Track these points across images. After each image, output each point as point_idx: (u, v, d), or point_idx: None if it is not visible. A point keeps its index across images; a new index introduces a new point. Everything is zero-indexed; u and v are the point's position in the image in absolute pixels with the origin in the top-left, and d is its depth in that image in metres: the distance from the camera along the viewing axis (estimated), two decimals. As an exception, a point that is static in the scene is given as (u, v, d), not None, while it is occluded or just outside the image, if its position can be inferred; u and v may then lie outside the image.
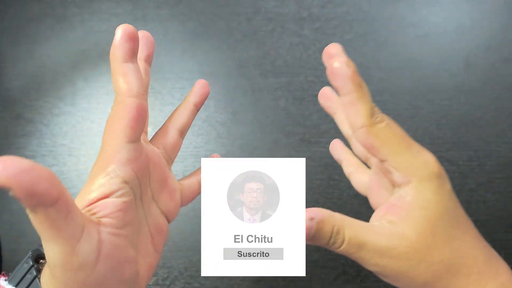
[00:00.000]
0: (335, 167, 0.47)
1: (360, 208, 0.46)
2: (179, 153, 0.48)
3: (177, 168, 0.48)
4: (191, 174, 0.31)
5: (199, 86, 0.32)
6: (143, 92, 0.24)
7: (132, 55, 0.24)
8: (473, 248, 0.24)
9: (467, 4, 0.51)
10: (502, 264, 0.25)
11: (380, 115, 0.24)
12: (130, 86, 0.23)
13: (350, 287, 0.44)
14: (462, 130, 0.47)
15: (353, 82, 0.24)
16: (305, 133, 0.48)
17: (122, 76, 0.23)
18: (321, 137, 0.48)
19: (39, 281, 0.22)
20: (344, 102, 0.24)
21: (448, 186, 0.24)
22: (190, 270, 0.45)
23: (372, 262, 0.23)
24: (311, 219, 0.23)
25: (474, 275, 0.23)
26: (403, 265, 0.23)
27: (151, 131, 0.49)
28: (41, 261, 0.25)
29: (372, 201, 0.30)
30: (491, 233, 0.45)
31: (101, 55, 0.52)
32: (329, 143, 0.48)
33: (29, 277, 0.23)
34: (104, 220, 0.21)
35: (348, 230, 0.23)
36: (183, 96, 0.50)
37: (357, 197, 0.46)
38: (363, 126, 0.23)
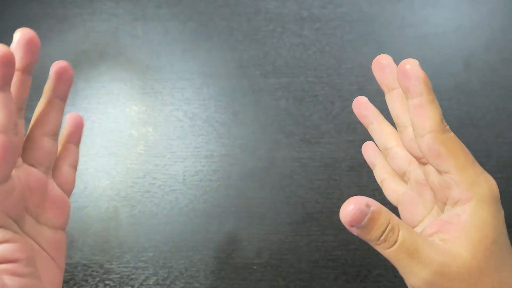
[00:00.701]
0: (336, 168, 0.47)
1: (360, 208, 0.46)
2: (179, 153, 0.49)
3: (177, 168, 0.48)
4: (59, 159, 0.28)
5: (56, 69, 0.27)
6: (13, 126, 0.21)
7: (3, 83, 0.21)
8: None
9: (467, 5, 0.51)
10: None
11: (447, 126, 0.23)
12: None
13: (350, 287, 0.44)
14: (462, 130, 0.47)
15: (425, 84, 0.23)
16: (305, 133, 0.48)
17: None
18: (321, 138, 0.48)
19: None
20: (412, 104, 0.23)
21: (503, 212, 0.23)
22: (190, 270, 0.45)
23: (420, 275, 0.21)
24: (367, 205, 0.21)
25: None
26: (452, 286, 0.21)
27: (151, 130, 0.49)
28: None
29: (404, 215, 0.29)
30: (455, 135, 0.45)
31: (102, 55, 0.52)
32: (329, 143, 0.49)
33: None
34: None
35: (404, 231, 0.22)
36: (184, 96, 0.50)
37: (357, 197, 0.46)
38: (432, 132, 0.22)
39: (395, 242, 0.21)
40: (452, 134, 0.23)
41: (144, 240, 0.46)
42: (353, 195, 0.46)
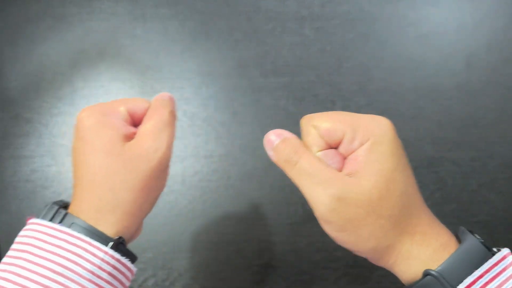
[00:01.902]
0: (336, 168, 0.47)
1: (361, 208, 0.45)
2: (178, 153, 0.48)
3: (176, 168, 0.47)
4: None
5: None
6: None
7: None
8: (419, 208, 0.25)
9: (468, 4, 0.50)
10: (442, 227, 0.25)
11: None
12: None
13: (351, 289, 0.44)
14: (464, 130, 0.47)
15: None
16: (305, 133, 0.48)
17: None
18: (321, 137, 0.48)
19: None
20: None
21: (401, 149, 0.25)
22: (190, 271, 0.45)
23: (321, 198, 0.24)
24: (281, 134, 0.27)
25: (418, 235, 0.24)
26: (351, 212, 0.23)
27: (150, 131, 0.49)
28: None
29: None
30: (493, 233, 0.45)
31: (100, 55, 0.52)
32: (329, 143, 0.48)
33: (58, 215, 0.26)
34: None
35: (307, 156, 0.25)
36: (183, 96, 0.50)
37: (358, 198, 0.46)
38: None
39: (296, 162, 0.25)
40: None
41: (144, 241, 0.45)
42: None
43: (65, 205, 0.28)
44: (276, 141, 0.26)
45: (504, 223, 0.45)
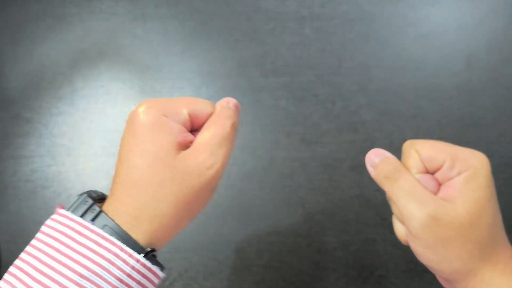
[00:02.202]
0: (336, 168, 0.47)
1: (361, 208, 0.45)
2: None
3: (177, 168, 0.47)
4: None
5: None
6: None
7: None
8: (503, 241, 0.26)
9: (468, 4, 0.50)
10: None
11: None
12: None
13: (351, 289, 0.44)
14: (463, 130, 0.47)
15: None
16: (305, 133, 0.48)
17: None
18: (321, 137, 0.48)
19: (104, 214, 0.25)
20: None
21: (493, 185, 0.26)
22: (189, 271, 0.45)
23: (416, 215, 0.25)
24: (383, 153, 0.28)
25: (500, 264, 0.25)
26: (443, 233, 0.24)
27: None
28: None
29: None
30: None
31: (100, 55, 0.52)
32: (330, 143, 0.48)
33: (85, 206, 0.25)
34: None
35: (407, 175, 0.26)
36: (183, 96, 0.50)
37: (358, 198, 0.46)
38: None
39: (398, 180, 0.26)
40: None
41: (143, 241, 0.45)
42: (354, 196, 0.46)
43: (99, 198, 0.27)
44: (376, 159, 0.28)
45: (504, 223, 0.45)
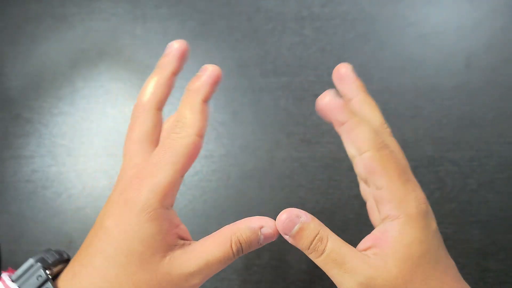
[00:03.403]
0: (336, 168, 0.47)
1: (361, 208, 0.45)
2: (179, 153, 0.48)
3: (177, 168, 0.48)
4: None
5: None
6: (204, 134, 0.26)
7: (209, 97, 0.27)
8: (454, 280, 0.24)
9: (468, 4, 0.50)
10: None
11: (387, 140, 0.24)
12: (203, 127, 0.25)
13: (351, 288, 0.44)
14: (463, 130, 0.47)
15: (346, 112, 0.24)
16: (305, 133, 0.48)
17: (201, 114, 0.25)
18: (321, 137, 0.48)
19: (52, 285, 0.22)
20: (343, 131, 0.25)
21: (434, 225, 0.24)
22: (190, 271, 0.45)
23: (347, 285, 0.23)
24: (298, 216, 0.24)
25: None
26: None
27: (150, 131, 0.49)
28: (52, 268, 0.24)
29: (371, 219, 0.30)
30: (492, 233, 0.45)
31: (100, 55, 0.52)
32: (330, 143, 0.48)
33: (37, 281, 0.22)
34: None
35: (332, 243, 0.24)
36: (182, 95, 0.50)
37: (358, 198, 0.46)
38: (367, 151, 0.24)
39: (323, 251, 0.24)
40: (387, 151, 0.24)
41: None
42: (354, 196, 0.46)
43: (58, 261, 0.24)
44: (291, 226, 0.24)
45: (503, 223, 0.45)
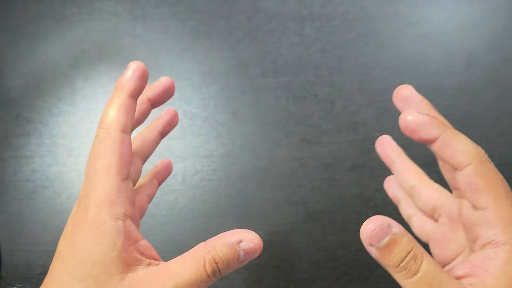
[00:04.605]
0: (336, 167, 0.47)
1: (361, 208, 0.45)
2: (178, 153, 0.48)
3: (177, 168, 0.48)
4: (142, 186, 0.30)
5: (168, 113, 0.31)
6: (130, 130, 0.24)
7: (137, 92, 0.24)
8: None
9: (468, 4, 0.50)
10: None
11: (485, 153, 0.21)
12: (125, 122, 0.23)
13: (351, 288, 0.44)
14: (463, 129, 0.47)
15: (436, 125, 0.21)
16: (305, 133, 0.48)
17: (125, 110, 0.23)
18: (322, 137, 0.48)
19: None
20: (437, 147, 0.22)
21: None
22: (190, 271, 0.45)
23: None
24: (389, 226, 0.20)
25: None
26: None
27: (151, 131, 0.49)
28: None
29: (435, 253, 0.27)
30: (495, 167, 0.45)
31: (101, 55, 0.52)
32: (329, 143, 0.48)
33: None
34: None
35: (428, 263, 0.20)
36: (183, 96, 0.50)
37: (358, 197, 0.46)
38: (470, 164, 0.21)
39: (416, 272, 0.20)
40: (491, 165, 0.21)
41: (144, 241, 0.45)
42: (354, 196, 0.46)
43: None
44: (381, 235, 0.20)
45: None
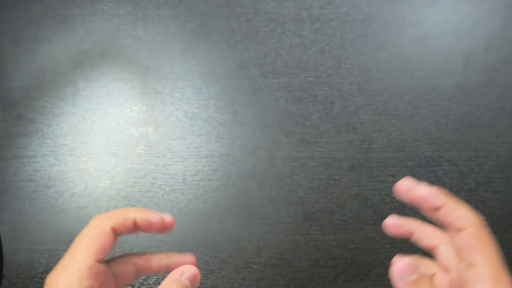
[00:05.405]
0: (335, 167, 0.47)
1: (360, 207, 0.46)
2: (179, 153, 0.49)
3: (178, 168, 0.48)
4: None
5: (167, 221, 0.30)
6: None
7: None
8: None
9: (466, 5, 0.51)
10: None
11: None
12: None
13: (350, 286, 0.44)
14: (461, 130, 0.48)
15: (442, 196, 0.25)
16: (305, 133, 0.48)
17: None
18: (321, 137, 0.48)
19: None
20: (442, 213, 0.25)
21: None
22: (190, 269, 0.45)
23: None
24: (418, 266, 0.24)
25: None
26: None
27: (151, 130, 0.49)
28: None
29: None
30: (490, 232, 0.45)
31: (102, 56, 0.52)
32: (328, 143, 0.49)
33: None
34: None
35: None
36: (184, 96, 0.50)
37: (357, 197, 0.46)
38: (470, 227, 0.24)
39: None
40: (487, 230, 0.24)
41: (144, 240, 0.46)
42: (353, 195, 0.46)
43: None
44: (411, 271, 0.24)
45: (501, 222, 0.46)
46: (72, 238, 0.49)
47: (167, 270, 0.30)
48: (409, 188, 0.26)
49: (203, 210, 0.47)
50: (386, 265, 0.44)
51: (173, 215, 0.46)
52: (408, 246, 0.45)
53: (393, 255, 0.47)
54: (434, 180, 0.46)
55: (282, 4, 0.52)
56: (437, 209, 0.25)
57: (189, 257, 0.32)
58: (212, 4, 0.52)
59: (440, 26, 0.51)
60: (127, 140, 0.49)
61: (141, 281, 0.45)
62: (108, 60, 0.52)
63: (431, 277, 0.25)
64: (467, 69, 0.49)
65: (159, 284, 0.45)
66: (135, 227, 0.27)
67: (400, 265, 0.24)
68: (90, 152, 0.49)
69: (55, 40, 0.53)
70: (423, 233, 0.31)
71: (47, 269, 0.47)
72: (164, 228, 0.28)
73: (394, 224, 0.31)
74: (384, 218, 0.46)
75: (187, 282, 0.25)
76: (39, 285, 0.46)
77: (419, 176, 0.46)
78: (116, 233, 0.26)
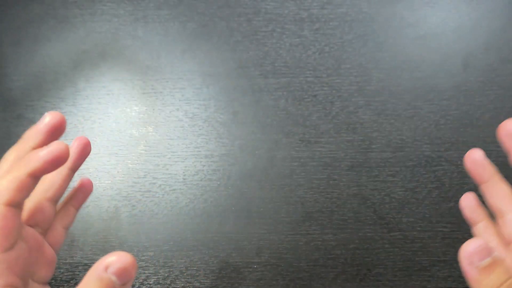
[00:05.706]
0: (335, 167, 0.47)
1: (360, 207, 0.46)
2: (179, 153, 0.49)
3: (178, 168, 0.48)
4: (56, 219, 0.28)
5: (79, 144, 0.28)
6: (19, 203, 0.22)
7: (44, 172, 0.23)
8: None
9: (466, 5, 0.51)
10: None
11: None
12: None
13: (350, 286, 0.44)
14: (461, 130, 0.48)
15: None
16: (304, 133, 0.48)
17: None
18: (320, 137, 0.48)
19: None
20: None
21: None
22: (190, 269, 0.45)
23: None
24: (491, 250, 0.21)
25: None
26: None
27: (151, 130, 0.50)
28: None
29: None
30: None
31: (102, 56, 0.52)
32: (328, 143, 0.49)
33: None
34: None
35: None
36: (184, 97, 0.50)
37: (356, 196, 0.46)
38: None
39: None
40: None
41: (145, 240, 0.46)
42: (353, 195, 0.46)
43: None
44: (485, 254, 0.20)
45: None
46: (73, 238, 0.50)
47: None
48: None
49: (203, 210, 0.47)
50: (386, 265, 0.44)
51: (173, 215, 0.47)
52: (408, 246, 0.45)
53: (393, 255, 0.47)
54: (434, 180, 0.47)
55: (282, 4, 0.52)
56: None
57: (85, 180, 0.30)
58: (212, 4, 0.53)
59: (439, 26, 0.51)
60: (127, 140, 0.49)
61: (141, 281, 0.45)
62: (108, 60, 0.52)
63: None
64: (466, 69, 0.49)
65: (159, 284, 0.45)
66: (35, 181, 0.22)
67: (471, 247, 0.20)
68: (91, 152, 0.49)
69: (55, 40, 0.53)
70: (497, 191, 0.28)
71: (48, 269, 0.47)
72: (64, 155, 0.22)
73: (477, 160, 0.28)
74: (384, 218, 0.46)
75: (114, 278, 0.19)
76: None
77: (419, 176, 0.46)
78: (14, 204, 0.22)
